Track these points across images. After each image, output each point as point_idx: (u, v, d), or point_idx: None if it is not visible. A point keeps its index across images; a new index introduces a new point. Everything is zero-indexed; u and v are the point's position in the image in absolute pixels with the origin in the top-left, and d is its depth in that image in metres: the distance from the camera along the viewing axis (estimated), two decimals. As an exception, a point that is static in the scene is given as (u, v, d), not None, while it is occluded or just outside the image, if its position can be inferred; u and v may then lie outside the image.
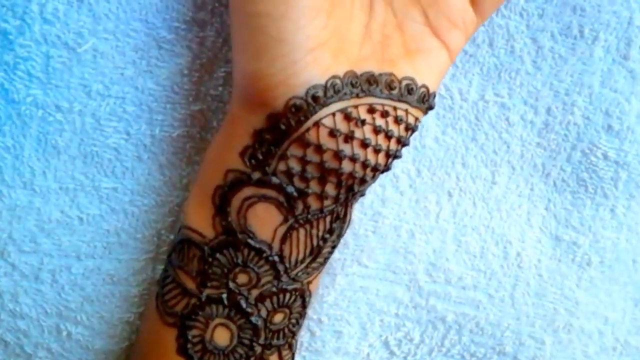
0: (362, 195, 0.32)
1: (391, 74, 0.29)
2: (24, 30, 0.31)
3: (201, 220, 0.30)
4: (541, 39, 0.35)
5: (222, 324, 0.30)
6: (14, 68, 0.31)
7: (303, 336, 0.35)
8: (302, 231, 0.30)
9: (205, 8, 0.32)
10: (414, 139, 0.35)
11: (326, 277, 0.35)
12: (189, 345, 0.30)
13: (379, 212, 0.36)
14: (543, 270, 0.38)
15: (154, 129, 0.33)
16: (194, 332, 0.30)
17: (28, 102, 0.32)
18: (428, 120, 0.35)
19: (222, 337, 0.30)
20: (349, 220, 0.32)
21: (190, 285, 0.30)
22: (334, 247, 0.32)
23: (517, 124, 0.36)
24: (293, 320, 0.31)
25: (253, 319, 0.30)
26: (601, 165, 0.37)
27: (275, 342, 0.31)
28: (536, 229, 0.37)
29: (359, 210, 0.35)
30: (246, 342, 0.30)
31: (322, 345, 0.36)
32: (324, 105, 0.28)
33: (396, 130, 0.30)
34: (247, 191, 0.29)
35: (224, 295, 0.30)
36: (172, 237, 0.34)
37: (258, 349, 0.31)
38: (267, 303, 0.30)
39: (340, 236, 0.32)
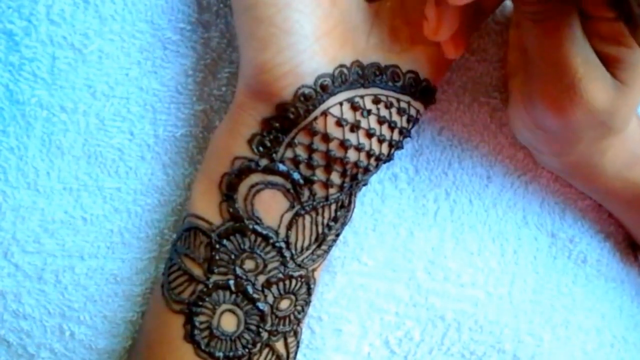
0: (365, 184, 0.32)
1: (396, 66, 0.30)
2: (30, 31, 0.31)
3: (208, 208, 0.30)
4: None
5: (229, 310, 0.30)
6: (19, 69, 0.31)
7: (303, 334, 0.35)
8: (307, 218, 0.30)
9: (210, 9, 0.33)
10: (413, 138, 0.36)
11: (326, 275, 0.35)
12: (196, 332, 0.30)
13: (379, 210, 0.36)
14: (540, 268, 0.38)
15: (158, 129, 0.33)
16: (201, 318, 0.30)
17: (32, 103, 0.32)
18: (426, 121, 0.36)
19: (228, 323, 0.30)
20: (353, 209, 0.32)
21: (197, 272, 0.30)
22: (337, 235, 0.32)
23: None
24: (298, 307, 0.32)
25: (260, 304, 0.30)
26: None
27: (281, 328, 0.31)
28: (532, 227, 0.38)
29: (359, 209, 0.36)
30: (253, 327, 0.30)
31: (322, 343, 0.36)
32: (332, 94, 0.28)
33: (399, 121, 0.30)
34: (254, 178, 0.29)
35: (231, 282, 0.30)
36: (175, 236, 0.34)
37: (264, 335, 0.31)
38: (274, 289, 0.31)
39: (344, 224, 0.32)
